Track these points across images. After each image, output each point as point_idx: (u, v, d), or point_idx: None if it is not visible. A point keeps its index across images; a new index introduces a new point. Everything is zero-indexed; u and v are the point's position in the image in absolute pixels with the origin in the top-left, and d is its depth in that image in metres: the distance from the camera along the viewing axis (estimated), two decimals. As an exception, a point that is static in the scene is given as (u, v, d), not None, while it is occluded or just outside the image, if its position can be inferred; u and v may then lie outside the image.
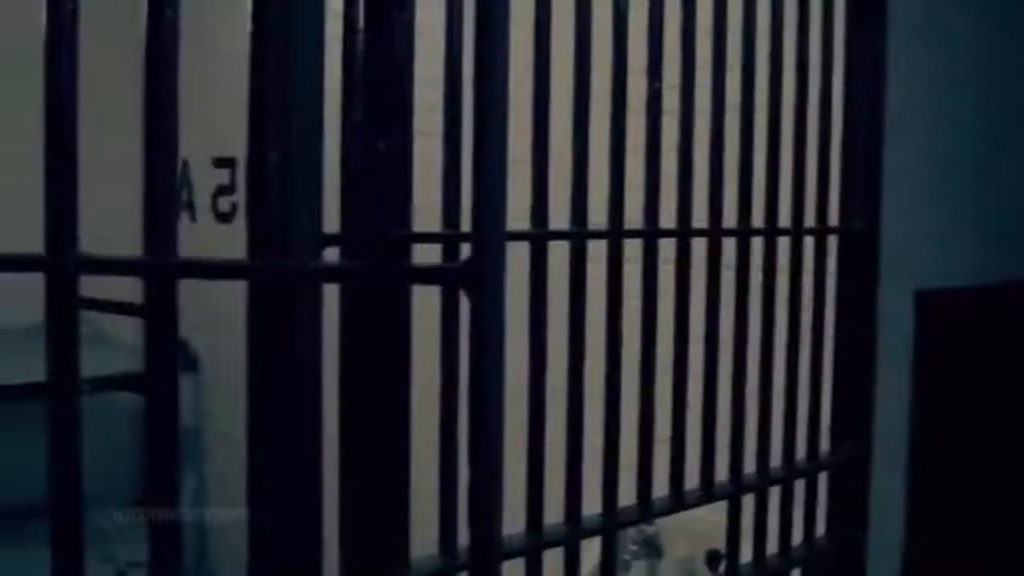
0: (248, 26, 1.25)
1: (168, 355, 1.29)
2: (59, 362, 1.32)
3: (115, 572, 5.65)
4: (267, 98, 1.20)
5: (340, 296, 1.71)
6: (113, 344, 5.74)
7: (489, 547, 1.13)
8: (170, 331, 1.28)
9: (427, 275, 1.32)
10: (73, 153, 1.30)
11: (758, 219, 2.45)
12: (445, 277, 1.35)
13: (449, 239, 1.89)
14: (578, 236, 2.11)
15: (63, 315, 1.32)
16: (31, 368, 3.44)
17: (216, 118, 5.12)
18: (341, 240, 1.75)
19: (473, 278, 1.08)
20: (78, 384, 1.32)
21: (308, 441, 1.25)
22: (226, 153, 5.90)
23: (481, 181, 1.08)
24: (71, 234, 1.31)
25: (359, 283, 1.26)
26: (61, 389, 1.33)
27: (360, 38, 1.67)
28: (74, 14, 1.30)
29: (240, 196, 5.95)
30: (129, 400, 6.00)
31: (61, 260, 1.30)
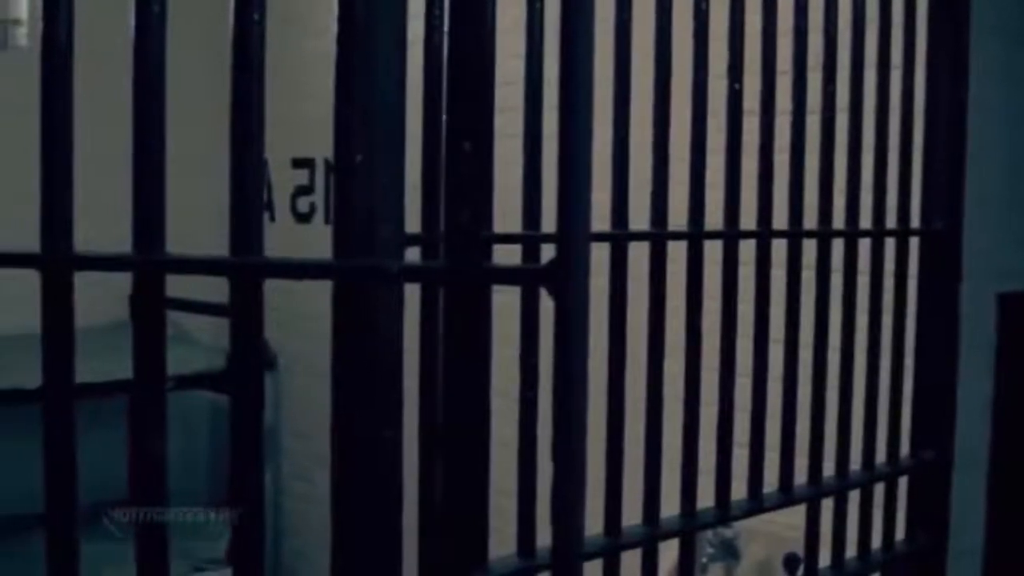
0: (332, 27, 1.26)
1: (253, 354, 1.30)
2: (145, 360, 1.34)
3: (191, 568, 5.71)
4: (352, 100, 1.21)
5: (421, 296, 1.72)
6: (191, 342, 5.80)
7: (571, 548, 1.13)
8: (256, 331, 1.29)
9: (511, 275, 1.32)
10: (161, 153, 1.32)
11: (839, 221, 2.43)
12: (529, 278, 1.36)
13: (531, 240, 1.90)
14: (658, 237, 2.10)
15: (150, 314, 1.34)
16: (99, 368, 3.48)
17: (295, 119, 5.17)
18: (422, 240, 1.76)
19: (558, 279, 1.08)
20: (164, 382, 1.34)
21: (389, 439, 1.26)
22: (305, 154, 5.95)
23: (566, 182, 1.08)
24: (158, 234, 1.32)
25: (444, 283, 1.26)
26: (147, 386, 1.34)
27: (441, 39, 1.68)
28: (161, 15, 1.31)
29: (318, 196, 5.99)
30: (205, 398, 6.06)
31: (149, 259, 1.31)
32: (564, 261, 1.08)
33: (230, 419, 1.31)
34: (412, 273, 1.43)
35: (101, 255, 1.36)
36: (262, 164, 1.30)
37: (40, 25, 1.34)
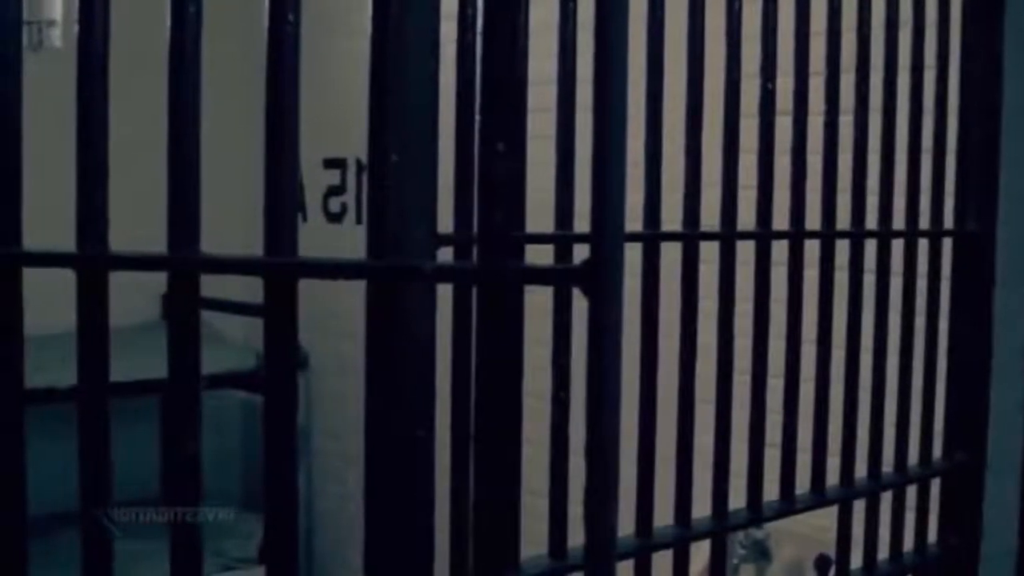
0: (363, 28, 1.26)
1: (287, 354, 1.30)
2: (180, 359, 1.34)
3: (222, 567, 5.73)
4: (386, 100, 1.21)
5: (454, 296, 1.72)
6: (222, 341, 5.82)
7: (605, 548, 1.13)
8: (290, 331, 1.30)
9: (545, 276, 1.32)
10: (196, 153, 1.32)
11: (871, 221, 2.42)
12: (563, 278, 1.36)
13: (564, 240, 1.90)
14: (691, 238, 2.10)
15: (184, 313, 1.35)
16: (130, 367, 3.48)
17: (327, 119, 5.18)
18: (454, 240, 1.76)
19: (592, 279, 1.08)
20: (199, 382, 1.34)
21: (422, 439, 1.26)
22: (336, 154, 5.96)
23: (600, 182, 1.08)
24: (193, 233, 1.33)
25: (478, 283, 1.27)
26: (182, 386, 1.35)
27: (473, 39, 1.68)
28: (197, 15, 1.32)
29: (349, 196, 6.00)
30: (236, 398, 6.09)
31: (184, 259, 1.32)
32: (598, 261, 1.08)
33: (264, 419, 1.31)
34: (446, 273, 1.44)
35: (136, 255, 1.37)
36: (297, 164, 1.31)
37: (75, 26, 1.34)
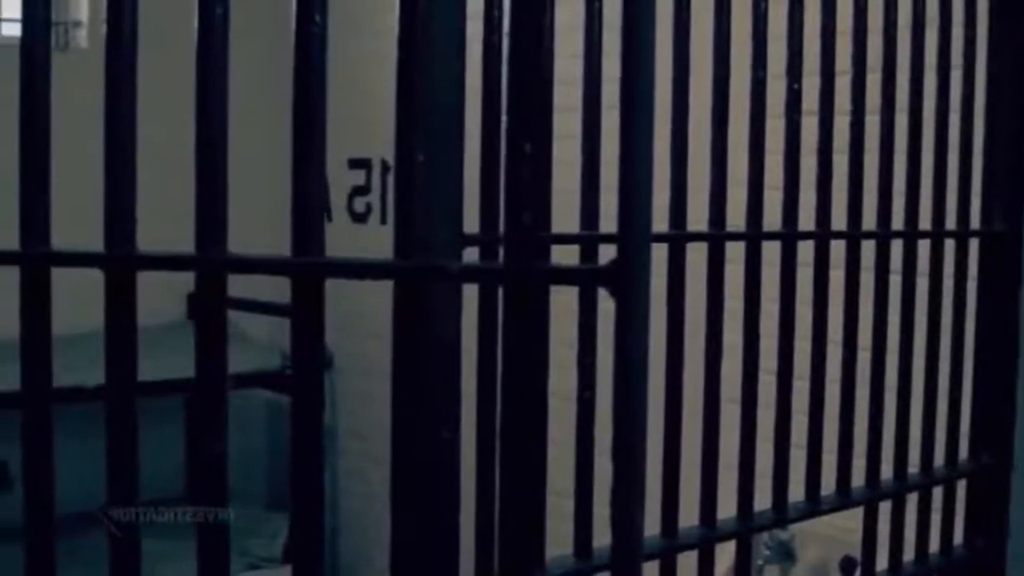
0: (388, 28, 1.26)
1: (314, 354, 1.31)
2: (207, 359, 1.35)
3: (247, 566, 5.74)
4: (413, 100, 1.21)
5: (480, 296, 1.72)
6: (247, 341, 5.83)
7: (632, 549, 1.13)
8: (317, 331, 1.30)
9: (572, 276, 1.32)
10: (224, 153, 1.33)
11: (897, 222, 2.41)
12: (590, 278, 1.36)
13: (590, 240, 1.90)
14: (717, 238, 2.10)
15: (212, 313, 1.35)
16: (156, 367, 3.50)
17: (352, 120, 5.19)
18: (480, 241, 1.77)
19: (619, 279, 1.08)
20: (227, 382, 1.35)
21: (447, 440, 1.26)
22: (361, 154, 5.97)
23: (628, 182, 1.08)
24: (220, 233, 1.33)
25: (505, 284, 1.27)
26: (209, 386, 1.35)
27: (500, 39, 1.68)
28: (224, 16, 1.32)
29: (374, 197, 6.01)
30: (261, 397, 6.10)
31: (212, 259, 1.33)
32: (625, 261, 1.08)
33: (291, 419, 1.32)
34: (473, 274, 1.44)
35: (164, 255, 1.37)
36: (324, 164, 1.31)
37: (101, 27, 1.35)
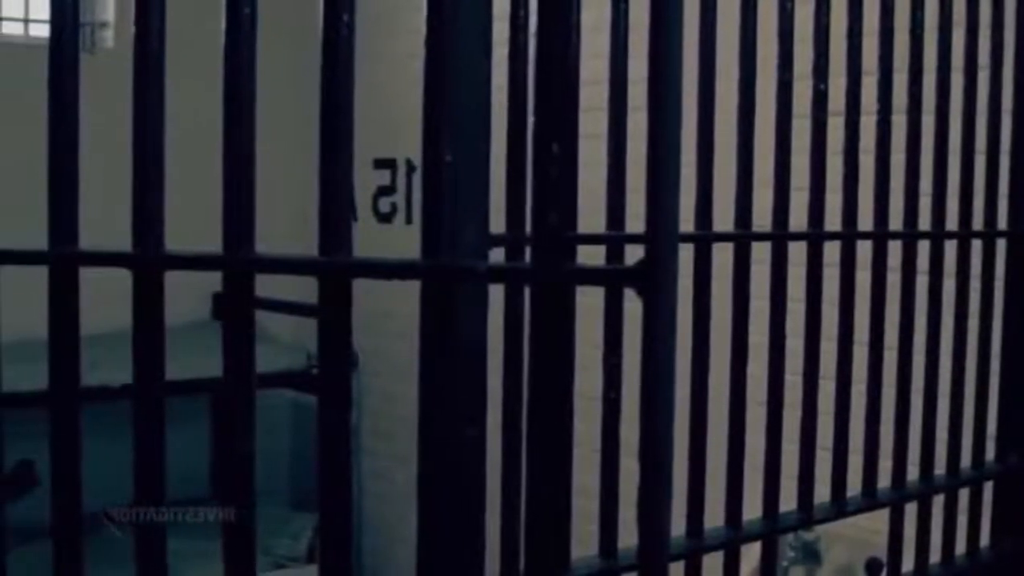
0: (413, 28, 1.26)
1: (342, 354, 1.31)
2: (234, 359, 1.35)
3: (272, 565, 5.76)
4: (441, 101, 1.22)
5: (505, 296, 1.72)
6: (271, 340, 5.85)
7: (659, 549, 1.13)
8: (345, 331, 1.30)
9: (600, 276, 1.32)
10: (251, 154, 1.33)
11: (924, 223, 2.40)
12: (618, 278, 1.35)
13: (617, 240, 1.90)
14: (742, 238, 2.09)
15: (239, 313, 1.35)
16: (181, 366, 3.51)
17: (377, 120, 5.19)
18: (506, 241, 1.77)
19: (647, 279, 1.08)
20: (254, 381, 1.35)
21: (473, 439, 1.26)
22: (386, 155, 5.98)
23: (655, 183, 1.08)
24: (247, 233, 1.33)
25: (532, 284, 1.27)
26: (236, 386, 1.36)
27: (526, 40, 1.68)
28: (252, 17, 1.32)
29: (399, 197, 6.02)
30: (286, 397, 6.11)
31: (240, 259, 1.33)
32: (653, 262, 1.08)
33: (318, 420, 1.32)
34: (500, 274, 1.44)
35: (192, 255, 1.38)
36: (351, 164, 1.31)
37: (129, 28, 1.35)
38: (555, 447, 1.57)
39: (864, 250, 2.29)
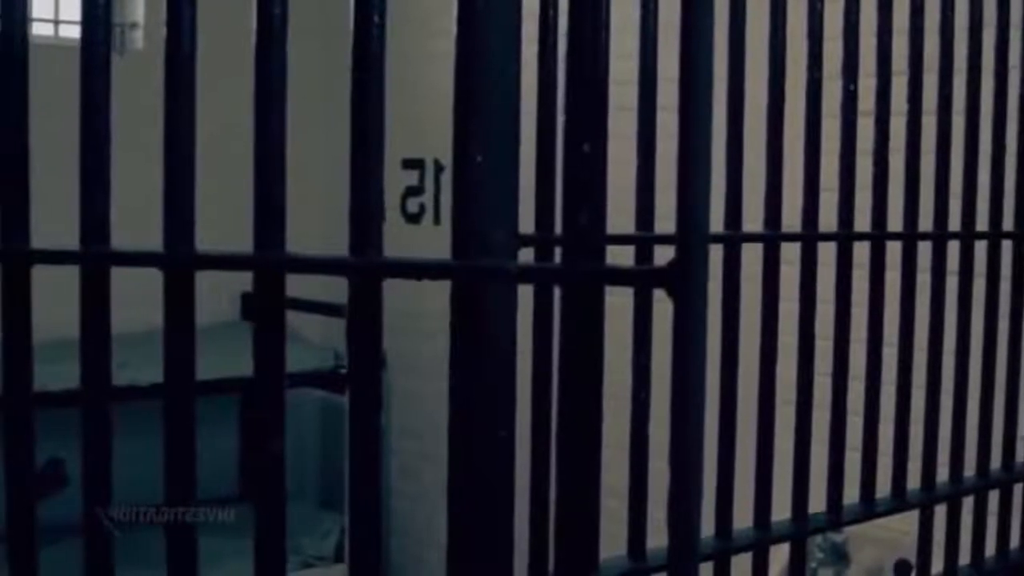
0: (444, 28, 1.27)
1: (372, 354, 1.31)
2: (265, 359, 1.35)
3: (300, 564, 5.77)
4: (471, 101, 1.22)
5: (535, 297, 1.72)
6: (300, 340, 5.86)
7: (688, 550, 1.13)
8: (375, 331, 1.30)
9: (630, 277, 1.32)
10: (281, 154, 1.33)
11: (954, 223, 2.39)
12: (648, 279, 1.35)
13: (646, 241, 1.90)
14: (772, 239, 2.09)
15: (270, 313, 1.36)
16: (211, 366, 3.52)
17: (405, 120, 5.19)
18: (535, 241, 1.77)
19: (677, 280, 1.08)
20: (284, 381, 1.35)
21: (503, 439, 1.26)
22: (415, 155, 5.98)
23: (686, 183, 1.08)
24: (278, 233, 1.34)
25: (563, 284, 1.27)
26: (267, 385, 1.36)
27: (555, 40, 1.69)
28: (283, 17, 1.33)
29: (427, 197, 6.02)
30: (314, 397, 6.12)
31: (270, 258, 1.33)
32: (684, 262, 1.08)
33: (349, 420, 1.32)
34: (531, 274, 1.44)
35: (223, 255, 1.38)
36: (382, 165, 1.31)
37: (159, 29, 1.36)
38: (584, 447, 1.56)
39: (894, 251, 2.28)
